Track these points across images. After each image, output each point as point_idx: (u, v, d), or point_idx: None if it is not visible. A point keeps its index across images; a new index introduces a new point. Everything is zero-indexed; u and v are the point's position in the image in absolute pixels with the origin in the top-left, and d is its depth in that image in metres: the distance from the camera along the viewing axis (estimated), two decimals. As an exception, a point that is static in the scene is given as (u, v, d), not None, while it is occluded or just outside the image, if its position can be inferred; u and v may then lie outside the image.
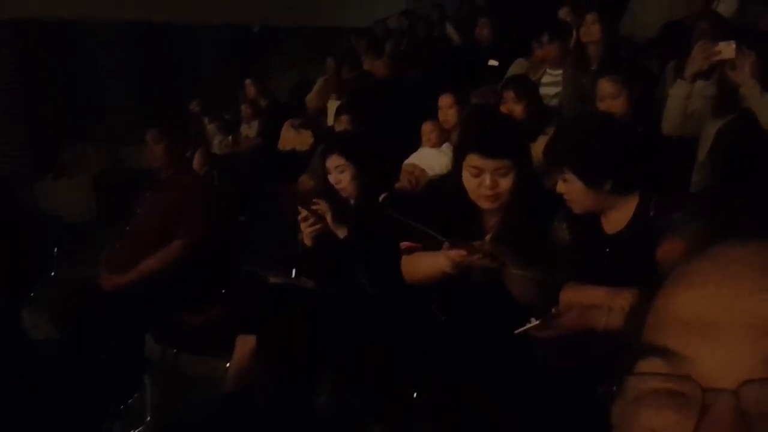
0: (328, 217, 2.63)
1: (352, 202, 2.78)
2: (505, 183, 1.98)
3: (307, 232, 2.67)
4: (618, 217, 1.90)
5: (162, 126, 3.38)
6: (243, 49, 9.57)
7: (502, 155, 1.97)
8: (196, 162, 4.81)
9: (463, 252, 1.88)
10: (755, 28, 3.61)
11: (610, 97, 3.03)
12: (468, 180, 2.01)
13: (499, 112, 3.42)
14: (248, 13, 9.58)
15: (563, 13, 4.82)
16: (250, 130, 6.15)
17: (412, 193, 3.40)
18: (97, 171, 6.84)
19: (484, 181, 1.97)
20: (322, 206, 2.66)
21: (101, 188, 6.43)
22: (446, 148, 3.78)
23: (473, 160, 1.99)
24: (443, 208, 2.15)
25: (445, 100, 3.90)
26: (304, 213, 2.67)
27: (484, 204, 2.03)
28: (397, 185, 3.65)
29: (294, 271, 2.88)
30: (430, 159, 3.90)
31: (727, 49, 2.55)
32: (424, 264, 2.10)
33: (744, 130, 2.56)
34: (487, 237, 2.05)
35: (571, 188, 1.87)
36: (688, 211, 1.69)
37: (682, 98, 2.77)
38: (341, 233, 2.62)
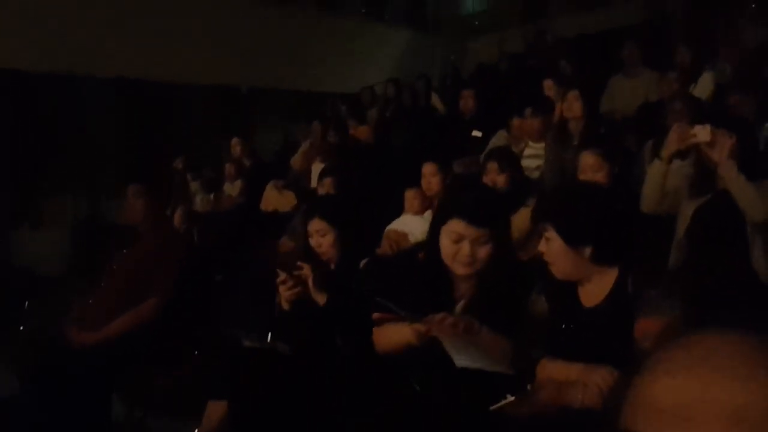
0: (309, 282, 2.60)
1: (332, 266, 2.76)
2: (483, 252, 1.99)
3: (285, 295, 2.63)
4: (596, 289, 1.90)
5: (143, 182, 3.38)
6: (231, 109, 9.71)
7: (485, 224, 1.99)
8: (176, 219, 4.79)
9: (426, 326, 1.87)
10: (731, 111, 3.73)
11: (591, 169, 3.09)
12: (447, 245, 2.02)
13: (483, 183, 3.45)
14: (238, 74, 9.77)
15: (547, 87, 4.96)
16: (233, 189, 6.15)
17: (389, 259, 3.39)
18: (75, 224, 6.77)
19: (463, 248, 1.98)
20: (305, 270, 2.63)
21: (78, 241, 6.35)
22: (428, 216, 3.80)
23: (455, 225, 2.00)
24: (416, 275, 2.15)
25: (429, 168, 3.95)
26: (283, 276, 2.64)
27: (459, 270, 2.03)
28: (379, 251, 3.65)
29: (270, 335, 2.83)
30: (412, 225, 3.93)
31: (702, 133, 2.61)
32: (392, 335, 2.08)
33: (721, 210, 2.60)
34: (458, 306, 2.04)
35: (552, 248, 1.88)
36: (666, 289, 1.70)
37: (660, 177, 2.82)
38: (321, 299, 2.58)
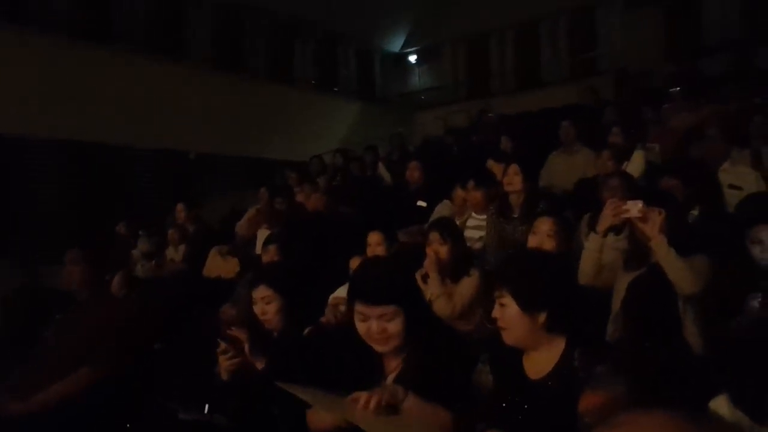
0: (246, 347, 2.55)
1: (275, 334, 2.72)
2: (393, 327, 1.95)
3: (224, 365, 2.57)
4: (543, 361, 1.91)
5: (82, 247, 3.30)
6: (177, 175, 9.64)
7: (384, 302, 1.94)
8: (115, 285, 4.65)
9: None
10: (661, 188, 3.91)
11: (545, 233, 3.18)
12: (359, 325, 1.99)
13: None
14: (186, 140, 9.76)
15: (491, 164, 5.13)
16: (176, 254, 6.04)
17: (331, 331, 3.37)
18: (10, 289, 6.47)
19: (372, 327, 1.95)
20: (239, 334, 2.59)
21: (11, 307, 6.05)
22: None
23: (358, 306, 1.97)
24: (351, 349, 2.10)
25: (374, 238, 4.00)
26: (224, 346, 2.58)
27: (377, 347, 1.99)
28: (323, 319, 3.62)
29: (207, 407, 2.74)
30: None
31: (634, 208, 2.73)
32: (324, 417, 2.05)
33: (654, 283, 2.70)
34: (388, 380, 2.01)
35: (507, 313, 1.89)
36: (611, 366, 1.73)
37: (596, 251, 2.92)
38: (259, 364, 2.53)
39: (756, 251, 2.53)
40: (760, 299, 2.28)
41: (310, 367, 2.19)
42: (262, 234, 5.13)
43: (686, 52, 10.40)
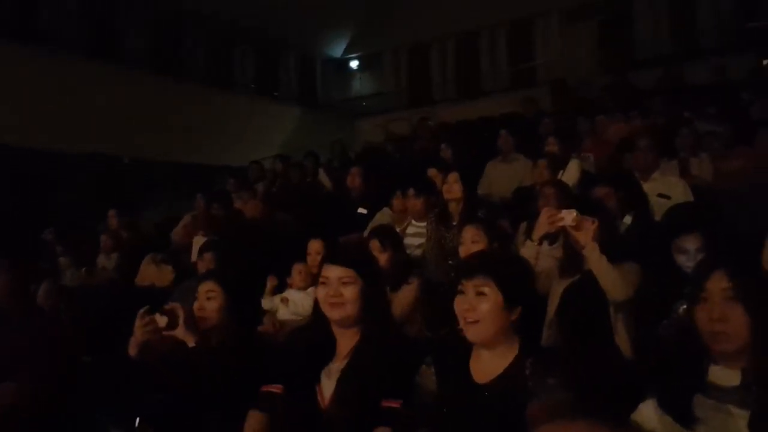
0: (181, 320, 2.50)
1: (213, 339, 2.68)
2: (349, 293, 2.07)
3: (137, 336, 2.50)
4: (492, 364, 1.89)
5: (6, 256, 3.14)
6: (111, 180, 9.33)
7: (346, 264, 2.10)
8: (41, 295, 4.44)
9: None
10: (594, 197, 4.02)
11: (471, 240, 3.21)
12: (319, 292, 2.12)
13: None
14: (120, 144, 9.47)
15: (432, 173, 5.17)
16: (108, 262, 5.84)
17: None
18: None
19: (329, 289, 2.08)
20: (176, 309, 2.53)
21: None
22: (312, 291, 3.78)
23: (324, 270, 2.13)
24: (303, 340, 2.22)
25: (314, 246, 3.98)
26: (145, 318, 2.51)
27: (331, 312, 2.08)
28: (260, 328, 3.56)
29: (138, 420, 2.65)
30: (296, 301, 3.88)
31: (568, 217, 2.79)
32: None
33: (587, 290, 2.76)
34: (335, 365, 2.07)
35: (486, 305, 1.84)
36: (560, 380, 1.74)
37: (531, 258, 2.96)
38: (190, 340, 2.49)
39: (681, 259, 2.62)
40: (685, 306, 2.36)
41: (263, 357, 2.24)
42: (198, 241, 5.01)
43: (619, 65, 10.77)
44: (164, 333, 2.52)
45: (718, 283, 1.62)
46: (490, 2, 12.13)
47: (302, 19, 12.21)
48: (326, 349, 2.14)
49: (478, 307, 1.84)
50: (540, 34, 12.76)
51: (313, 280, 3.89)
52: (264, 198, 6.11)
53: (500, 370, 1.86)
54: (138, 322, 2.51)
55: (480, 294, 1.85)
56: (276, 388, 2.13)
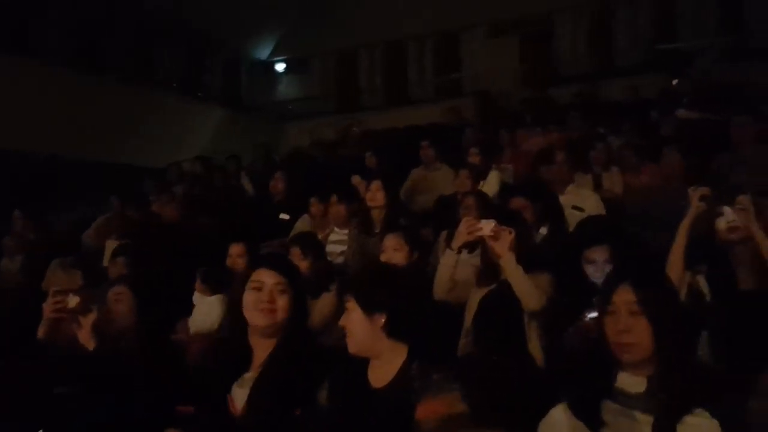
0: (89, 320, 2.45)
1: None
2: (282, 301, 2.05)
3: (48, 310, 2.46)
4: (385, 369, 1.93)
5: None
6: (19, 178, 8.82)
7: (282, 272, 2.09)
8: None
9: None
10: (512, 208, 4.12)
11: (392, 249, 3.23)
12: (249, 297, 2.07)
13: None
14: (31, 140, 8.99)
15: (355, 180, 5.17)
16: (12, 264, 5.52)
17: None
18: None
19: (263, 295, 2.04)
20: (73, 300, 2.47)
21: None
22: (222, 298, 3.69)
23: (257, 275, 2.09)
24: (219, 352, 2.21)
25: (236, 249, 3.92)
26: (57, 297, 2.45)
27: (260, 319, 2.05)
28: (174, 337, 3.46)
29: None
30: (208, 308, 3.78)
31: (487, 227, 2.85)
32: None
33: (502, 299, 2.83)
34: (249, 375, 2.05)
35: (351, 318, 1.94)
36: (446, 374, 1.78)
37: (450, 266, 3.02)
38: (91, 344, 2.45)
39: (590, 270, 2.73)
40: (590, 315, 2.45)
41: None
42: (111, 245, 4.81)
43: (539, 80, 11.13)
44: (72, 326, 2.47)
45: (623, 296, 1.69)
46: (418, 13, 12.27)
47: (228, 18, 11.97)
48: (241, 361, 2.10)
49: (347, 320, 1.96)
50: (465, 46, 13.02)
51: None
52: (183, 201, 5.93)
53: (392, 375, 1.91)
54: (49, 299, 2.47)
55: (347, 309, 1.97)
56: (189, 409, 2.10)
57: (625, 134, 6.53)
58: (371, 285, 2.00)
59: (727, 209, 2.57)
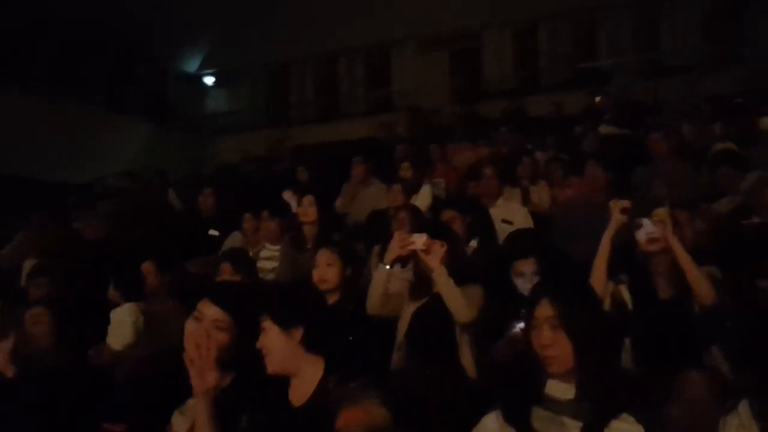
0: (6, 346, 2.38)
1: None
2: (220, 337, 1.95)
3: None
4: (304, 386, 1.93)
5: None
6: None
7: (226, 308, 1.99)
8: None
9: None
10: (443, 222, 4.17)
11: (325, 264, 3.20)
12: (188, 325, 2.00)
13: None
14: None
15: (287, 195, 5.12)
16: None
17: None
18: None
19: (200, 329, 1.96)
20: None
21: None
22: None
23: (201, 304, 2.01)
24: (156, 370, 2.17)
25: (146, 267, 3.87)
26: None
27: (192, 353, 1.93)
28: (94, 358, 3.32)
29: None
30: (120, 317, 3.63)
31: (419, 241, 2.88)
32: None
33: (435, 313, 2.85)
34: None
35: (268, 337, 1.92)
36: (363, 381, 1.77)
37: (383, 281, 3.03)
38: (9, 371, 2.38)
39: (519, 282, 2.79)
40: (521, 326, 2.51)
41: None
42: (30, 264, 4.59)
43: (469, 95, 11.38)
44: None
45: (543, 311, 1.72)
46: (348, 27, 12.35)
47: (155, 30, 11.71)
48: (181, 385, 2.02)
49: (265, 341, 1.93)
50: (396, 61, 13.19)
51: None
52: (107, 218, 5.73)
53: (311, 391, 1.91)
54: None
55: (264, 329, 1.95)
56: (119, 428, 2.02)
57: (551, 149, 6.74)
58: (286, 300, 2.00)
59: (646, 221, 2.68)
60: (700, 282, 2.54)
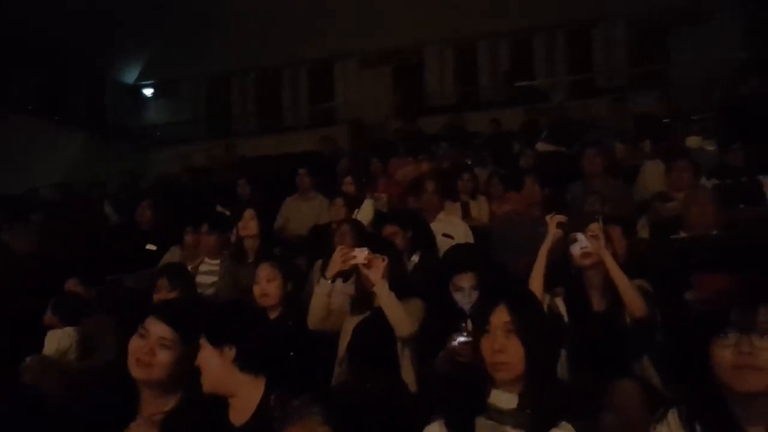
0: None
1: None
2: (163, 357, 1.94)
3: None
4: (244, 407, 1.90)
5: None
6: None
7: (173, 325, 1.96)
8: None
9: None
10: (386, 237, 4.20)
11: (266, 279, 3.18)
12: (132, 342, 1.97)
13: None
14: None
15: (224, 209, 5.06)
16: None
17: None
18: None
19: (144, 346, 1.94)
20: None
21: None
22: (72, 331, 3.52)
23: (148, 321, 1.98)
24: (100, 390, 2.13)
25: (70, 284, 3.84)
26: None
27: (135, 370, 1.95)
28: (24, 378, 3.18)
29: None
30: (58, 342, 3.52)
31: (360, 255, 2.90)
32: None
33: (376, 327, 2.87)
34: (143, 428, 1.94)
35: (203, 355, 1.90)
36: (306, 398, 1.77)
37: (325, 296, 3.03)
38: None
39: (458, 296, 2.84)
40: (458, 339, 2.56)
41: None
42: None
43: (410, 111, 11.51)
44: None
45: (499, 317, 1.78)
46: (291, 40, 12.31)
47: (92, 39, 11.38)
48: (127, 406, 1.98)
49: (199, 359, 1.91)
50: (339, 75, 13.23)
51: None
52: (40, 231, 5.52)
53: (252, 411, 1.89)
54: None
55: (200, 346, 1.93)
56: None
57: (490, 165, 6.88)
58: (219, 318, 1.97)
59: (580, 236, 2.78)
60: (632, 295, 2.64)
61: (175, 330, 1.97)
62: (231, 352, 1.89)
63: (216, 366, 1.89)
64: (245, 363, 1.90)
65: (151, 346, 1.93)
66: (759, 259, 3.35)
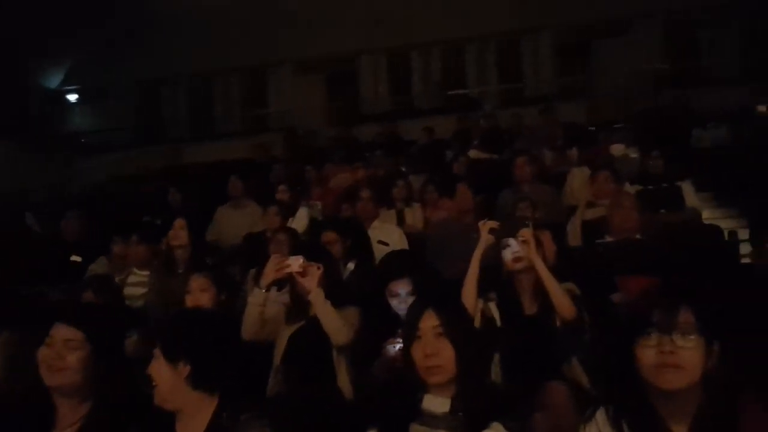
0: None
1: None
2: (73, 359, 1.88)
3: None
4: (194, 422, 1.83)
5: None
6: None
7: (77, 325, 1.91)
8: None
9: None
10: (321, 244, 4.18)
11: (198, 289, 3.11)
12: (40, 353, 1.90)
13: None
14: None
15: (151, 220, 4.94)
16: None
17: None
18: None
19: (52, 352, 1.88)
20: None
21: None
22: None
23: (52, 330, 1.92)
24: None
25: None
26: None
27: (48, 377, 1.88)
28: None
29: None
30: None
31: (295, 263, 2.88)
32: None
33: (311, 336, 2.85)
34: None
35: (156, 366, 1.83)
36: (254, 413, 1.75)
37: (259, 305, 2.98)
38: None
39: (394, 303, 2.86)
40: (393, 345, 2.58)
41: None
42: None
43: (345, 118, 11.53)
44: None
45: (428, 321, 1.82)
46: (224, 47, 12.13)
47: (12, 40, 10.87)
48: (42, 418, 1.90)
49: (152, 369, 1.84)
50: (273, 82, 13.10)
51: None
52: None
53: (203, 428, 1.82)
54: None
55: (154, 356, 1.87)
56: None
57: (423, 172, 6.96)
58: (174, 332, 1.89)
59: (512, 241, 2.84)
60: (561, 298, 2.71)
61: (79, 329, 1.92)
62: (185, 369, 1.80)
63: (167, 380, 1.80)
64: (199, 382, 1.81)
65: (59, 351, 1.88)
66: (679, 262, 3.52)
